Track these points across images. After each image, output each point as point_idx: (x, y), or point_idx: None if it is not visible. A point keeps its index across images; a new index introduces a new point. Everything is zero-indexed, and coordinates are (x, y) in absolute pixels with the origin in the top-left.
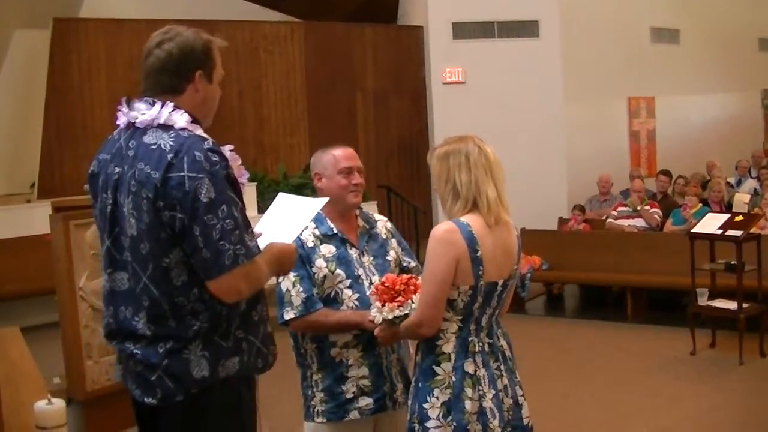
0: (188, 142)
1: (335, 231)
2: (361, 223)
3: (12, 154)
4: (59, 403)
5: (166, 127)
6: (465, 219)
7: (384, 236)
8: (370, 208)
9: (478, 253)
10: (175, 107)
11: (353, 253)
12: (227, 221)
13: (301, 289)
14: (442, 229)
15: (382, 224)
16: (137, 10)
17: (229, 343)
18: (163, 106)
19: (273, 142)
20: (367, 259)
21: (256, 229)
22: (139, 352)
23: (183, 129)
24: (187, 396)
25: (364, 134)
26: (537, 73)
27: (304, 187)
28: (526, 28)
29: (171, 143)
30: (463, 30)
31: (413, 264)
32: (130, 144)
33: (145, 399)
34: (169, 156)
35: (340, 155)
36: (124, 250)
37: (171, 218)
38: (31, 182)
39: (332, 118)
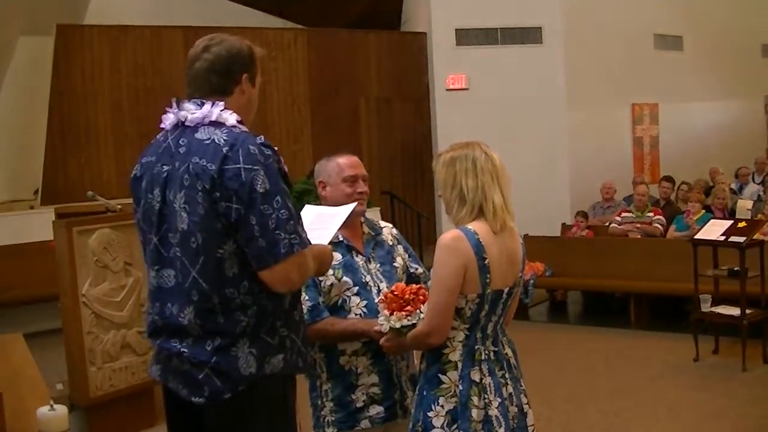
0: (242, 137)
1: (341, 238)
2: (366, 230)
3: (16, 160)
4: (61, 410)
5: (217, 124)
6: (472, 226)
7: (390, 243)
8: (374, 214)
9: (486, 261)
10: (225, 107)
11: (360, 260)
12: (282, 211)
13: (307, 298)
14: (449, 236)
15: (388, 231)
16: (141, 17)
17: (275, 340)
18: (213, 105)
19: (276, 148)
20: (374, 266)
21: None
22: (186, 350)
23: (234, 126)
24: (234, 393)
25: (368, 140)
26: (540, 79)
27: (308, 194)
28: (530, 35)
29: (225, 138)
30: (466, 36)
31: (420, 270)
32: (180, 142)
33: (193, 398)
34: (224, 149)
35: (344, 163)
36: (171, 246)
37: (227, 209)
38: (35, 188)
39: (336, 124)
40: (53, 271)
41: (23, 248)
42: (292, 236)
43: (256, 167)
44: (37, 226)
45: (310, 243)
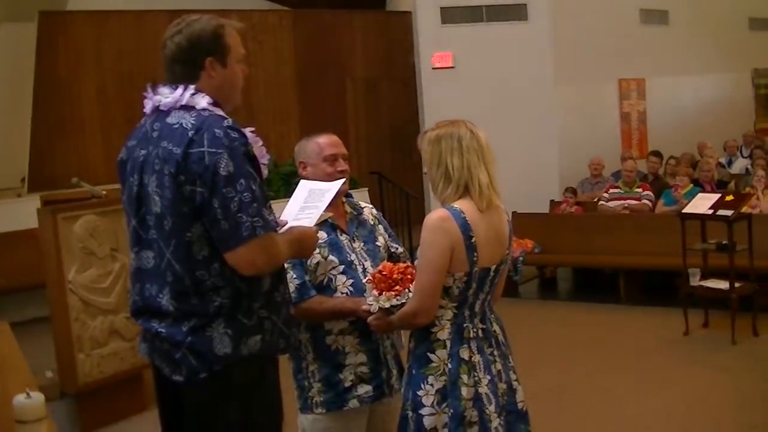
0: (209, 120)
1: (325, 217)
2: (348, 209)
3: (2, 148)
4: (38, 397)
5: (188, 108)
6: (458, 205)
7: (372, 222)
8: (362, 195)
9: (473, 240)
10: (197, 90)
11: (344, 239)
12: (245, 194)
13: (294, 276)
14: (436, 216)
15: (369, 211)
16: (124, 2)
17: (252, 321)
18: (185, 89)
19: (263, 130)
20: (358, 245)
21: (281, 218)
22: (163, 330)
23: (204, 109)
24: (210, 373)
25: (355, 121)
26: (527, 56)
27: (295, 176)
28: (515, 12)
29: (192, 122)
30: (451, 15)
31: (401, 250)
32: (154, 126)
33: (174, 377)
34: (190, 133)
35: (324, 142)
36: (149, 229)
37: (192, 192)
38: (22, 176)
39: (322, 105)
40: (40, 259)
41: (9, 237)
42: (255, 219)
43: (220, 150)
44: (24, 214)
45: (276, 225)
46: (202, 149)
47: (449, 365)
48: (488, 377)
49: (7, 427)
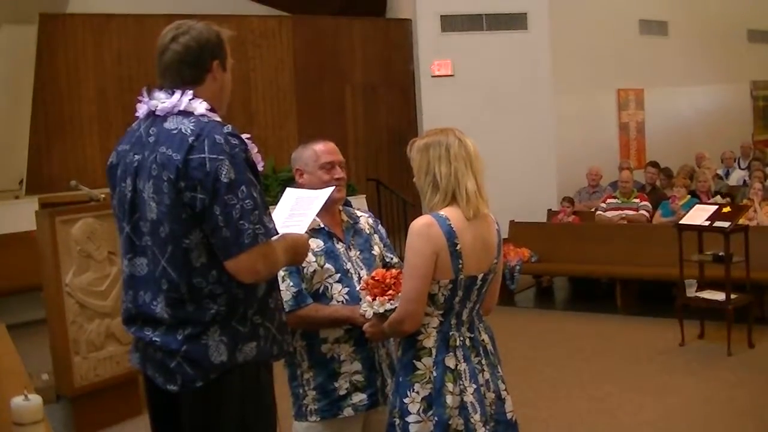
0: (209, 126)
1: (322, 225)
2: (344, 218)
3: (0, 150)
4: (36, 399)
5: (186, 114)
6: (444, 212)
7: (367, 231)
8: (359, 201)
9: (458, 247)
10: (194, 96)
11: (340, 247)
12: (247, 201)
13: (291, 284)
14: (421, 223)
15: (365, 219)
16: (124, 5)
17: (246, 328)
18: (182, 94)
19: (262, 136)
20: (354, 254)
21: None
22: (158, 339)
23: (203, 115)
24: (206, 381)
25: (353, 127)
26: (526, 65)
27: (294, 182)
28: (515, 21)
29: (192, 127)
30: (451, 23)
31: (395, 260)
32: (150, 131)
33: (168, 386)
34: (190, 139)
35: (321, 150)
36: (143, 235)
37: (192, 198)
38: (20, 178)
39: (321, 111)
40: (37, 262)
41: (6, 239)
42: (257, 226)
43: (221, 157)
44: (21, 216)
45: (277, 233)
46: (202, 155)
47: (434, 373)
48: (474, 386)
49: (5, 430)
